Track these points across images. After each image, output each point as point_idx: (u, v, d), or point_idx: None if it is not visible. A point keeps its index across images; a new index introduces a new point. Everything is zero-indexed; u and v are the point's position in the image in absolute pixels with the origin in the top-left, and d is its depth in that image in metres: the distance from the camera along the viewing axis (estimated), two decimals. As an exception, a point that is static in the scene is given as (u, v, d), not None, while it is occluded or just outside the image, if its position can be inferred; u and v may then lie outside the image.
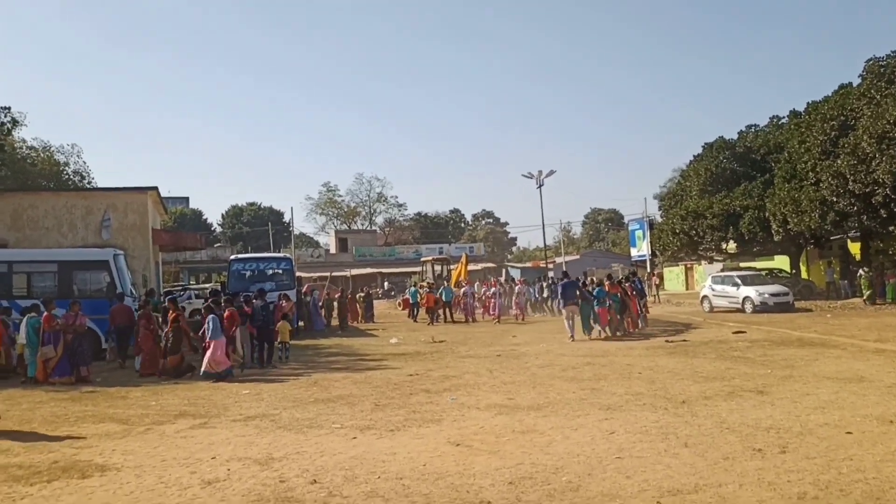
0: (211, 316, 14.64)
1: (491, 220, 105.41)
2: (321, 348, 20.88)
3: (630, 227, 61.03)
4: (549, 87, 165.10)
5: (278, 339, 17.59)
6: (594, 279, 28.18)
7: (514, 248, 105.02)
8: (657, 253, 43.65)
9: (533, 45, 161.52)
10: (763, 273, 32.87)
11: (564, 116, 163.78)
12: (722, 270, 38.67)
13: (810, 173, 30.68)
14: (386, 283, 63.33)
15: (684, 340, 18.72)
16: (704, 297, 31.15)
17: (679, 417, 8.95)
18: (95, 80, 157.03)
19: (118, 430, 9.53)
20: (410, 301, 33.64)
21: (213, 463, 7.54)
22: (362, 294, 34.58)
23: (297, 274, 28.49)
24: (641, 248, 55.39)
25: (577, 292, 20.83)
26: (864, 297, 29.63)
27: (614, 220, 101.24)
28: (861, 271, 30.80)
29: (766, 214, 32.22)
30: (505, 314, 30.75)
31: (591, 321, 20.65)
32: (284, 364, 16.94)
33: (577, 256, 77.90)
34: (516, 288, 32.81)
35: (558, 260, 72.85)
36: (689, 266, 56.91)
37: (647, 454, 7.19)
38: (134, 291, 20.49)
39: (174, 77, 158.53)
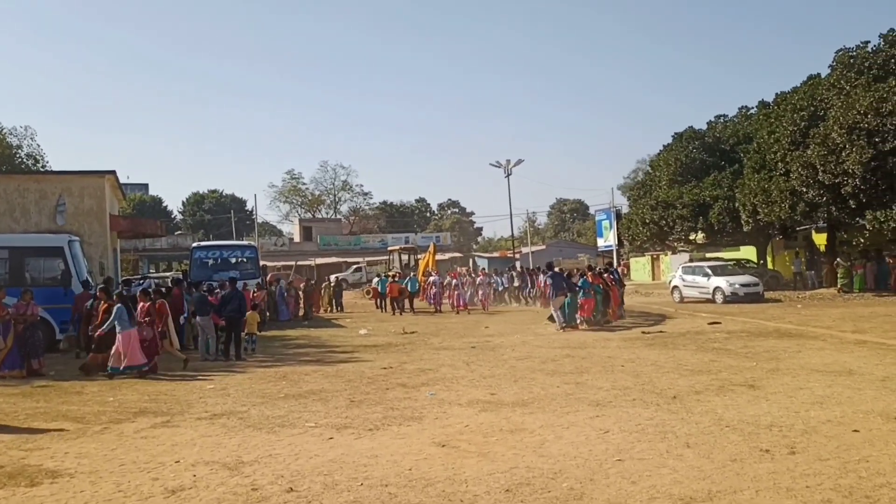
0: (118, 305, 13.71)
1: (457, 210, 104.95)
2: (288, 339, 20.18)
3: (597, 218, 60.87)
4: (514, 76, 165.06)
5: (245, 331, 16.91)
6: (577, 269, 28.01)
7: (479, 239, 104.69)
8: (625, 243, 43.46)
9: (498, 35, 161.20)
10: (731, 264, 32.82)
11: (530, 106, 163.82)
12: (690, 261, 38.69)
13: (779, 164, 30.63)
14: (335, 276, 62.27)
15: (661, 332, 18.40)
16: (675, 287, 31.02)
17: (673, 414, 8.49)
18: (51, 60, 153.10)
19: (72, 430, 8.80)
20: (379, 291, 33.15)
21: (178, 468, 6.89)
22: (330, 283, 33.94)
23: (262, 263, 27.64)
24: (608, 239, 55.24)
25: (564, 284, 20.56)
26: (839, 287, 29.68)
27: (580, 210, 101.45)
28: (838, 260, 30.79)
29: (736, 205, 32.13)
30: (471, 304, 30.45)
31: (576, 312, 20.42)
32: (251, 356, 16.23)
33: (544, 247, 77.76)
34: (478, 279, 32.66)
35: (524, 250, 72.63)
36: (655, 256, 57.01)
37: (648, 456, 6.70)
38: (90, 280, 19.53)
39: (134, 59, 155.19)
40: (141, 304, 14.50)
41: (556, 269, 22.95)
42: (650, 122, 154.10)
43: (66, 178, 25.82)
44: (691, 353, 14.00)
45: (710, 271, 29.09)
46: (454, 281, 31.52)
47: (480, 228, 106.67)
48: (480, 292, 31.53)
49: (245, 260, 25.82)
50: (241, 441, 7.94)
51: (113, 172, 26.15)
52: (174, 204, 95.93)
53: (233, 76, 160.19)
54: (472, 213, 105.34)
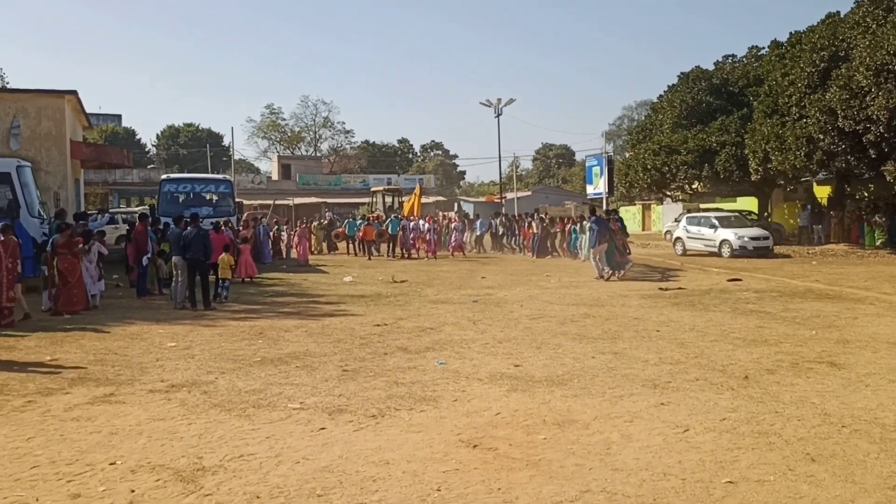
0: None
1: (440, 153, 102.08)
2: (265, 286, 18.19)
3: (587, 164, 58.77)
4: (501, 19, 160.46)
5: (220, 276, 15.00)
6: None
7: (462, 182, 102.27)
8: (615, 191, 41.51)
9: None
10: (735, 216, 31.01)
11: (516, 50, 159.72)
12: (688, 211, 36.94)
13: (794, 108, 28.62)
14: (329, 214, 60.12)
15: (680, 288, 16.59)
16: (678, 238, 29.26)
17: (759, 403, 6.67)
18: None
19: (-15, 405, 6.84)
20: (347, 233, 31.33)
21: (111, 475, 4.97)
22: (322, 221, 32.02)
23: (238, 200, 25.45)
24: (598, 186, 53.33)
25: (608, 231, 19.39)
26: (878, 244, 27.81)
27: (566, 156, 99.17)
28: (877, 218, 28.82)
29: (745, 152, 30.19)
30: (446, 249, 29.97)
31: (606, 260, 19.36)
32: (223, 305, 14.26)
33: (529, 193, 75.55)
34: (452, 224, 31.41)
35: (509, 196, 70.51)
36: (646, 206, 55.25)
37: (767, 475, 4.86)
38: (42, 212, 17.35)
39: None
40: None
41: (598, 214, 21.25)
42: (641, 68, 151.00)
43: (20, 97, 23.19)
44: (730, 316, 12.21)
45: (717, 223, 27.30)
46: (427, 226, 29.71)
47: (464, 172, 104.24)
48: (453, 238, 30.31)
49: (219, 195, 23.62)
50: (204, 429, 6.01)
51: (74, 93, 23.53)
52: (148, 137, 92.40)
53: (213, 9, 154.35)
54: (455, 156, 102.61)
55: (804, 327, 10.98)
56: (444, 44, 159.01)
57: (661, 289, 16.56)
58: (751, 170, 30.26)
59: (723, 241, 26.51)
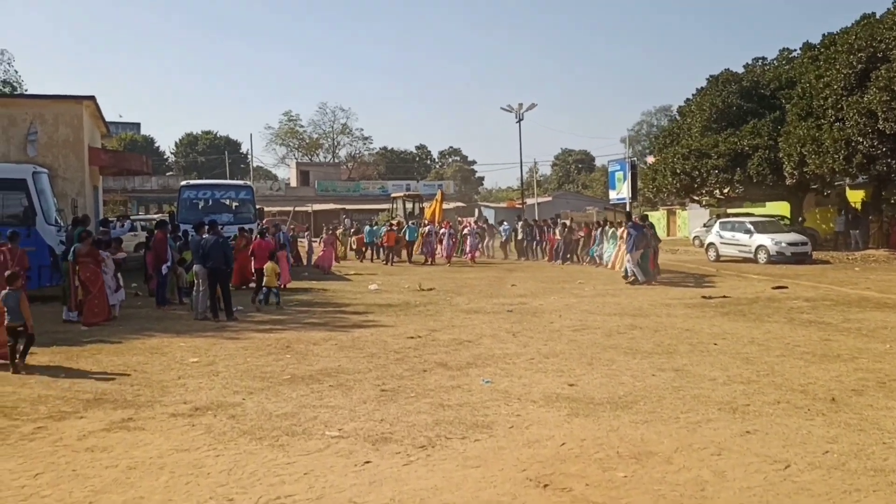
0: None
1: (458, 158, 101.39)
2: (288, 294, 17.49)
3: (609, 169, 57.58)
4: (521, 24, 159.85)
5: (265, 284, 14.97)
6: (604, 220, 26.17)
7: (480, 188, 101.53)
8: (650, 195, 40.60)
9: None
10: (768, 221, 30.04)
11: (533, 55, 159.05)
12: (718, 217, 36.02)
13: (830, 111, 27.68)
14: (346, 220, 59.54)
15: (724, 297, 15.74)
16: (710, 244, 28.35)
17: (861, 432, 5.87)
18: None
19: (-9, 431, 6.18)
20: (365, 240, 30.80)
21: (129, 523, 4.26)
22: (348, 229, 31.52)
23: (259, 206, 24.79)
24: (621, 191, 52.34)
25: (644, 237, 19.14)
26: None
27: (585, 161, 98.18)
28: None
29: (779, 155, 29.24)
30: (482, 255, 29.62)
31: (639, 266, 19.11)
32: (276, 311, 14.11)
33: (549, 198, 74.78)
34: (465, 229, 30.95)
35: (529, 201, 69.72)
36: (671, 211, 54.26)
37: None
38: (59, 219, 16.79)
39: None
40: None
41: (635, 220, 20.63)
42: (660, 74, 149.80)
43: (38, 102, 22.73)
44: (788, 328, 11.38)
45: (752, 228, 26.37)
46: (444, 231, 29.41)
47: (482, 178, 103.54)
48: (468, 243, 29.73)
49: (240, 202, 23.01)
50: (233, 463, 5.29)
51: (92, 98, 23.05)
52: (167, 145, 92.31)
53: (230, 15, 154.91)
54: (473, 162, 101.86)
55: (874, 340, 10.15)
56: (462, 50, 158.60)
57: (704, 297, 15.72)
58: (785, 173, 29.32)
59: (759, 247, 25.59)
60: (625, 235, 24.11)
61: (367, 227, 32.72)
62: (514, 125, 46.93)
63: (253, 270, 16.34)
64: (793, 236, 26.12)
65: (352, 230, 31.50)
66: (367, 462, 5.30)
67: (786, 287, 17.35)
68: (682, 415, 6.46)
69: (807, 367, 8.38)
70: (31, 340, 8.86)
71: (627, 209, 50.05)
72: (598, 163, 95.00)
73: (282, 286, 16.94)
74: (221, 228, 14.13)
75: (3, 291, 8.81)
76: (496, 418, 6.43)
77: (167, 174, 72.02)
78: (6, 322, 8.71)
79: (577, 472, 5.04)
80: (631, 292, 17.01)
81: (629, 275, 19.12)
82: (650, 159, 60.50)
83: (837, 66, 27.80)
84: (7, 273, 9.27)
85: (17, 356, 8.63)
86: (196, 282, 13.41)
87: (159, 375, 8.31)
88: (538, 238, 31.56)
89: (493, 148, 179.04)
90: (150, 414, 6.66)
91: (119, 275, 13.60)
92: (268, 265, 15.01)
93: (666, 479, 4.91)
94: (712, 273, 22.48)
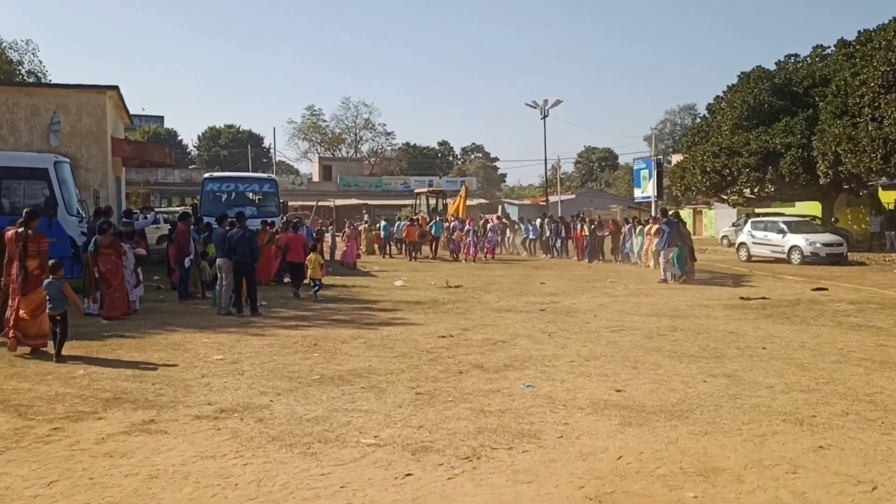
0: None
1: (481, 155, 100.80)
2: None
3: (635, 167, 56.99)
4: (545, 20, 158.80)
5: (307, 276, 15.16)
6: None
7: (502, 185, 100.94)
8: (678, 194, 39.84)
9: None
10: (804, 219, 29.31)
11: (557, 52, 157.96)
12: (748, 216, 35.30)
13: (866, 109, 26.89)
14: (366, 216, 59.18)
15: (763, 298, 15.16)
16: (742, 243, 27.66)
17: (947, 451, 5.35)
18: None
19: (4, 431, 5.79)
20: (382, 236, 30.50)
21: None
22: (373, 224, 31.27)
23: (282, 200, 24.41)
24: (647, 189, 51.65)
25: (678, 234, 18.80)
26: None
27: (608, 159, 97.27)
28: None
29: (813, 153, 28.48)
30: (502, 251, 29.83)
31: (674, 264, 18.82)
32: (316, 302, 14.23)
33: (573, 196, 74.14)
34: (488, 226, 30.93)
35: (552, 199, 69.09)
36: (698, 210, 53.43)
37: None
38: (81, 210, 16.49)
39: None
40: None
41: (671, 217, 20.09)
42: (683, 73, 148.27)
43: (61, 92, 22.48)
44: (838, 332, 10.82)
45: (785, 227, 25.68)
46: (468, 227, 28.93)
47: (504, 175, 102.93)
48: (489, 239, 29.58)
49: (264, 195, 22.63)
50: (262, 473, 4.87)
51: (116, 88, 22.79)
52: (190, 138, 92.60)
53: (255, 11, 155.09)
54: (496, 159, 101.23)
55: (934, 347, 9.57)
56: (485, 47, 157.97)
57: (742, 298, 15.15)
58: (819, 172, 28.56)
59: (792, 247, 24.91)
60: (653, 231, 23.68)
61: (383, 223, 32.48)
62: (536, 122, 46.57)
63: (285, 264, 16.46)
64: (827, 237, 25.41)
65: (365, 225, 31.03)
66: (408, 475, 4.86)
67: (825, 289, 16.74)
68: (744, 426, 5.96)
69: (868, 375, 7.85)
70: (65, 332, 8.77)
71: (659, 206, 49.70)
72: (621, 161, 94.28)
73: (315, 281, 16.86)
74: (245, 219, 13.73)
75: (46, 280, 8.84)
76: (543, 426, 5.97)
77: (190, 167, 72.05)
78: (48, 310, 8.77)
79: (640, 491, 4.57)
80: (665, 292, 16.46)
81: (665, 276, 18.63)
82: (675, 158, 59.78)
83: (875, 64, 27.02)
84: (51, 262, 9.09)
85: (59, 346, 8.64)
86: (220, 276, 13.05)
87: (182, 373, 7.92)
88: (564, 235, 31.06)
89: (516, 145, 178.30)
90: (172, 416, 6.27)
91: (139, 270, 13.24)
92: (311, 256, 15.12)
93: (741, 500, 4.43)
94: (745, 273, 21.86)
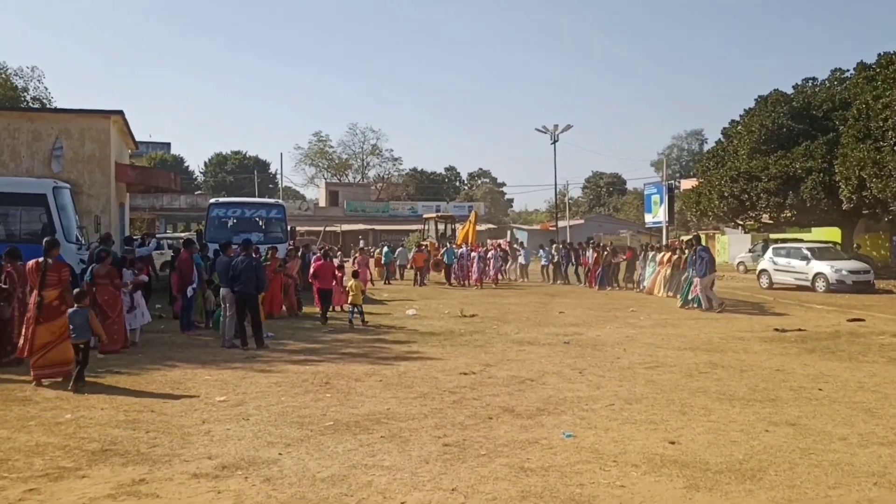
0: None
1: (488, 180, 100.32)
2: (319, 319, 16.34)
3: (646, 192, 56.36)
4: (550, 46, 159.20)
5: (348, 301, 15.43)
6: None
7: (509, 210, 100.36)
8: (694, 219, 39.05)
9: (527, 5, 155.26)
10: (828, 246, 28.44)
11: (563, 77, 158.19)
12: (765, 241, 34.55)
13: (890, 132, 26.13)
14: (361, 241, 58.42)
15: (800, 329, 14.31)
16: (763, 270, 26.81)
17: None
18: (70, 15, 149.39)
19: (-29, 496, 4.99)
20: (383, 262, 29.94)
21: None
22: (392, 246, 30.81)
23: (290, 226, 23.69)
24: (657, 214, 50.93)
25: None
26: None
27: (616, 184, 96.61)
28: None
29: (835, 178, 27.69)
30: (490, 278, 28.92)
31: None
32: (356, 328, 14.13)
33: (581, 221, 73.39)
34: (490, 252, 30.22)
35: (561, 224, 68.38)
36: (710, 235, 52.57)
37: None
38: (81, 237, 15.79)
39: (158, 18, 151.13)
40: None
41: (702, 244, 19.56)
42: (690, 98, 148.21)
43: (64, 117, 21.91)
44: (894, 369, 9.97)
45: (809, 254, 24.84)
46: (474, 254, 28.58)
47: (511, 200, 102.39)
48: (492, 266, 29.08)
49: (271, 220, 21.93)
50: (271, 554, 4.05)
51: (120, 113, 22.19)
52: (196, 164, 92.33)
53: (261, 35, 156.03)
54: (503, 184, 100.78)
55: None
56: (491, 72, 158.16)
57: (776, 329, 14.30)
58: (842, 197, 27.75)
59: (817, 274, 24.04)
60: (665, 260, 22.89)
61: (384, 248, 32.00)
62: (542, 147, 45.94)
63: (315, 292, 16.46)
64: (853, 263, 24.57)
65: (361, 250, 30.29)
66: (447, 558, 4.04)
67: (862, 320, 15.87)
68: (830, 491, 5.12)
69: (949, 423, 6.99)
70: (86, 361, 8.71)
71: (663, 234, 48.84)
72: (629, 186, 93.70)
73: (334, 307, 17.17)
74: (253, 248, 12.97)
75: (70, 309, 8.75)
76: (596, 490, 5.14)
77: (196, 193, 71.63)
78: (71, 339, 8.65)
79: (734, 584, 3.73)
80: (692, 323, 15.62)
81: (704, 304, 17.83)
82: (684, 183, 59.09)
83: (897, 86, 26.36)
84: (75, 291, 9.05)
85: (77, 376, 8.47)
86: (224, 306, 12.27)
87: (180, 418, 7.11)
88: (574, 261, 30.27)
89: (523, 170, 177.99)
90: (166, 473, 5.45)
91: (138, 295, 12.44)
92: (352, 283, 15.38)
93: None
94: (769, 301, 21.00)
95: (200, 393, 8.31)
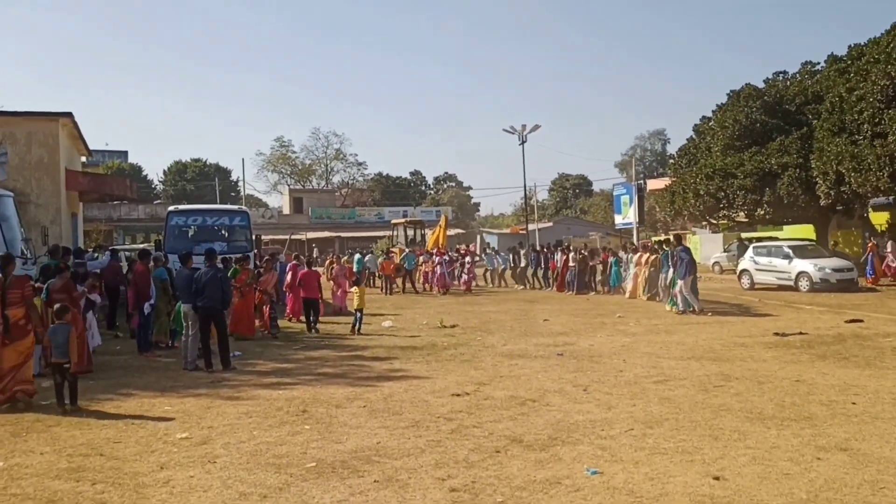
0: None
1: (454, 184, 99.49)
2: (295, 334, 15.24)
3: (615, 193, 55.91)
4: (514, 47, 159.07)
5: (355, 307, 15.19)
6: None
7: (476, 214, 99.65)
8: (668, 219, 38.57)
9: (494, 4, 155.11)
10: (809, 244, 27.95)
11: (530, 78, 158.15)
12: (740, 241, 34.15)
13: (866, 125, 25.75)
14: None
15: (801, 333, 13.57)
16: (744, 270, 26.20)
17: None
18: (30, 18, 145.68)
19: None
20: (355, 269, 28.80)
21: None
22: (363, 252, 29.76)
23: (256, 234, 22.44)
24: (627, 215, 50.48)
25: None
26: None
27: (582, 185, 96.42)
28: None
29: (812, 173, 27.26)
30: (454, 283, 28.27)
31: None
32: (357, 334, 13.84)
33: (550, 224, 72.89)
34: (466, 258, 29.58)
35: (530, 227, 67.76)
36: (681, 236, 52.22)
37: None
38: (25, 250, 14.51)
39: (116, 18, 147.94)
40: None
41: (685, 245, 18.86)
42: (652, 97, 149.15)
43: (9, 120, 20.48)
44: (920, 376, 9.22)
45: (791, 253, 24.27)
46: (437, 259, 27.94)
47: (478, 204, 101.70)
48: (465, 272, 28.14)
49: (235, 228, 20.69)
50: None
51: (70, 115, 20.82)
52: (155, 173, 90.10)
53: (220, 42, 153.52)
54: (469, 188, 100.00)
55: None
56: (455, 74, 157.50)
57: (776, 334, 13.54)
58: (819, 193, 27.31)
59: (800, 273, 23.45)
60: (643, 261, 22.21)
61: (356, 256, 31.04)
62: (508, 149, 45.13)
63: (292, 302, 16.71)
64: (836, 261, 24.05)
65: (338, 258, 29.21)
66: None
67: (861, 321, 15.20)
68: (930, 541, 4.24)
69: None
70: (75, 381, 8.19)
71: (634, 235, 48.44)
72: (595, 187, 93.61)
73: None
74: (217, 258, 11.85)
75: (52, 325, 8.34)
76: (647, 550, 4.19)
77: (155, 202, 69.70)
78: (52, 358, 8.18)
79: None
80: (686, 329, 14.81)
81: (682, 306, 17.16)
82: (652, 183, 58.78)
83: (873, 78, 25.95)
84: (56, 306, 8.62)
85: (65, 398, 7.99)
86: (185, 325, 11.14)
87: (134, 464, 6.03)
88: (542, 265, 29.30)
89: (488, 173, 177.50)
90: (114, 544, 4.39)
91: (90, 315, 11.28)
92: (356, 289, 15.47)
93: None
94: (754, 302, 20.35)
95: (159, 429, 7.21)
